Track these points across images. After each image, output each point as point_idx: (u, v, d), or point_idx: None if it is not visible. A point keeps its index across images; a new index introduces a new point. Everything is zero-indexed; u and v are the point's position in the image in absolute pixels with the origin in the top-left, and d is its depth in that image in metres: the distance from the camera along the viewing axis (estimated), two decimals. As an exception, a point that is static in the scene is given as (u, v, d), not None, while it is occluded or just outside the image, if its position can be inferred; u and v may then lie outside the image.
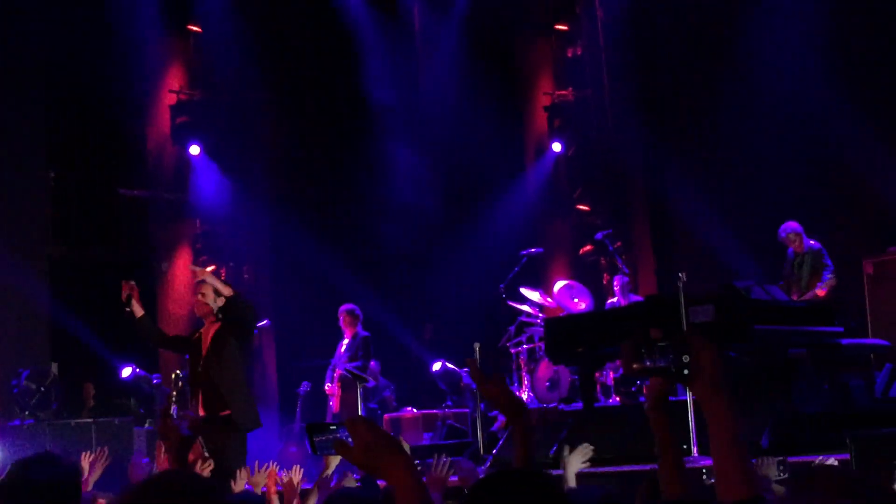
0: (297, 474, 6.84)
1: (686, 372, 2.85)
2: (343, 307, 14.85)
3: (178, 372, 5.69)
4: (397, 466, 2.77)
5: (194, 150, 17.42)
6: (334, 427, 3.79)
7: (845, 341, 11.58)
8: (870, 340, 12.96)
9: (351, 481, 6.71)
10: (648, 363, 2.89)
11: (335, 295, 15.62)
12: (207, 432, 8.77)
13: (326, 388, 14.92)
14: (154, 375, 15.92)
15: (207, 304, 9.35)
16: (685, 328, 8.87)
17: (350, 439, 2.82)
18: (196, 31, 17.74)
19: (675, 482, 3.46)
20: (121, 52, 16.55)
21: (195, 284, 9.30)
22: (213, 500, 2.67)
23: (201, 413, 9.17)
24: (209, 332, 9.47)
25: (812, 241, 13.67)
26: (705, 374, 2.84)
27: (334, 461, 6.76)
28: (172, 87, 17.63)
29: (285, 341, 17.49)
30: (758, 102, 15.86)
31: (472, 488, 2.87)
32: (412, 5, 18.75)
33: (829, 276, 13.35)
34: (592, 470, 7.20)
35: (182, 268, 17.56)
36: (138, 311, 9.39)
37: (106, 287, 17.15)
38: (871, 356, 12.55)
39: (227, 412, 9.27)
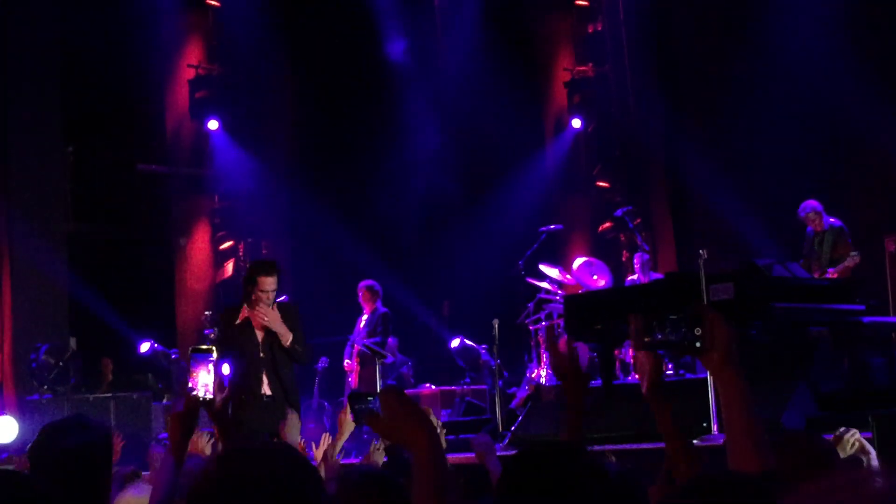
0: (325, 442, 6.83)
1: (698, 345, 2.82)
2: (362, 283, 14.83)
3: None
4: (421, 438, 2.78)
5: (213, 125, 17.40)
6: (371, 397, 3.78)
7: (866, 319, 11.51)
8: (891, 319, 12.91)
9: (379, 454, 6.67)
10: (660, 336, 2.87)
11: (354, 271, 15.61)
12: (273, 412, 9.05)
13: (345, 364, 14.91)
14: (172, 351, 15.94)
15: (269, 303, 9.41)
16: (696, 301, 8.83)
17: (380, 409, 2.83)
18: (214, 6, 17.71)
19: (684, 463, 3.43)
20: (139, 27, 16.53)
21: (268, 293, 9.30)
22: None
23: (268, 393, 9.34)
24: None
25: (832, 219, 13.59)
26: (718, 346, 2.82)
27: (347, 430, 6.73)
28: (191, 61, 17.61)
29: (303, 317, 17.44)
30: (779, 79, 15.77)
31: (508, 462, 2.83)
32: (433, -20, 18.68)
33: (850, 261, 13.26)
34: (611, 447, 7.18)
35: (200, 243, 17.56)
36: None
37: (125, 262, 17.19)
38: (893, 335, 12.49)
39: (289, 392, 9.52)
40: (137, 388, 15.18)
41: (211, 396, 4.52)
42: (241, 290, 17.31)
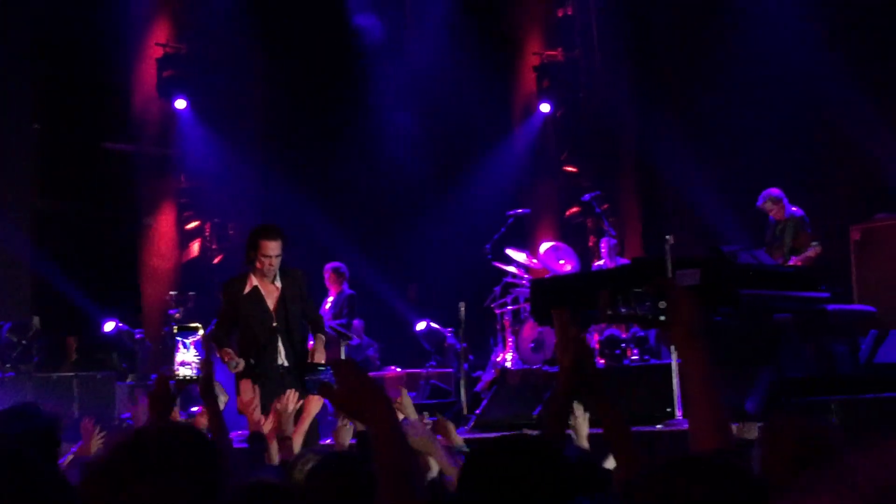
0: (292, 400, 6.68)
1: (662, 318, 2.82)
2: (329, 265, 14.82)
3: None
4: (378, 412, 2.76)
5: (180, 104, 17.31)
6: (322, 367, 3.77)
7: (831, 307, 11.57)
8: (855, 307, 12.95)
9: (346, 433, 6.57)
10: (624, 310, 2.87)
11: (322, 253, 15.57)
12: (290, 383, 8.74)
13: (310, 345, 14.86)
14: (137, 330, 15.88)
15: (274, 270, 9.26)
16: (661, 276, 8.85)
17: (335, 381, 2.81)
18: (183, -16, 17.60)
19: (623, 450, 3.43)
20: (107, 5, 16.41)
21: (271, 258, 9.13)
22: (211, 449, 2.64)
23: (285, 363, 9.23)
24: (269, 288, 9.32)
25: (794, 208, 13.62)
26: (683, 320, 2.82)
27: (314, 408, 6.67)
28: (159, 40, 17.50)
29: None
30: (748, 66, 15.80)
31: (474, 451, 2.84)
32: (402, -37, 18.63)
33: (811, 250, 13.30)
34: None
35: (166, 223, 17.48)
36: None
37: (90, 241, 17.09)
38: (857, 322, 12.54)
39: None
40: (101, 367, 15.10)
41: (198, 374, 4.51)
42: (206, 271, 17.35)
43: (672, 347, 10.34)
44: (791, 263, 13.11)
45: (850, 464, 1.36)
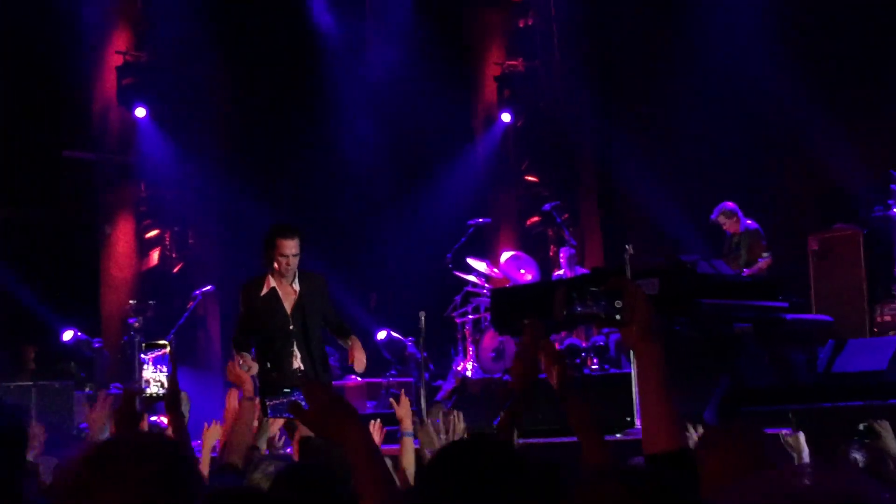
0: (232, 398, 6.62)
1: (618, 317, 2.83)
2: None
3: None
4: (351, 430, 2.76)
5: (140, 112, 17.23)
6: (288, 391, 3.77)
7: (789, 316, 11.65)
8: (813, 316, 13.05)
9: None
10: (579, 309, 2.87)
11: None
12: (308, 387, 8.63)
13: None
14: (95, 339, 15.79)
15: (292, 270, 9.01)
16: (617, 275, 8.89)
17: (305, 403, 2.81)
18: (143, -8, 17.52)
19: (596, 458, 3.45)
20: (65, 11, 16.32)
21: (289, 257, 8.89)
22: (184, 456, 2.65)
23: (301, 367, 8.98)
24: (287, 290, 9.08)
25: (749, 221, 13.71)
26: (638, 319, 2.82)
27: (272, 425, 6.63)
28: (119, 48, 17.41)
29: (230, 307, 17.33)
30: (708, 77, 15.88)
31: (433, 457, 2.85)
32: (363, -28, 18.62)
33: (762, 261, 13.39)
34: (537, 441, 7.20)
35: (125, 231, 17.40)
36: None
37: (48, 249, 16.99)
38: (814, 332, 12.63)
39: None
40: (60, 376, 15.01)
41: (164, 392, 4.50)
42: (165, 280, 17.28)
43: (630, 350, 10.38)
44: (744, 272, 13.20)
45: (772, 476, 1.39)
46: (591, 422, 3.50)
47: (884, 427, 5.65)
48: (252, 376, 6.70)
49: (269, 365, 8.95)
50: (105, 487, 2.45)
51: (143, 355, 4.54)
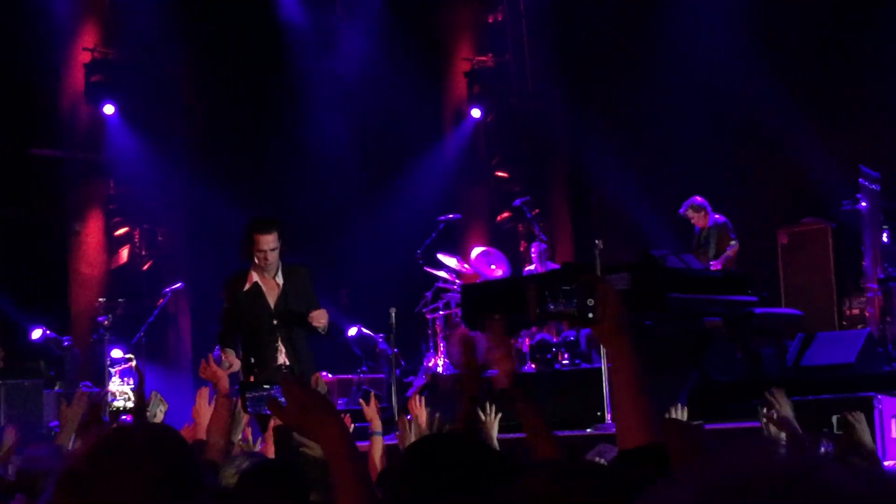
0: (202, 399, 6.58)
1: (591, 315, 2.84)
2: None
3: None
4: (330, 428, 2.75)
5: (109, 109, 17.15)
6: (268, 386, 3.76)
7: (759, 311, 11.69)
8: (783, 310, 13.11)
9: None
10: (552, 307, 2.88)
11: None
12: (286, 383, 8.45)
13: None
14: (65, 338, 15.71)
15: (273, 264, 8.90)
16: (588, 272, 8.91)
17: (283, 399, 2.80)
18: (112, -12, 17.44)
19: (546, 454, 3.47)
20: (33, 8, 16.24)
21: (266, 252, 8.78)
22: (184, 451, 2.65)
23: (286, 363, 8.84)
24: (270, 284, 8.97)
25: (717, 216, 13.75)
26: (610, 316, 2.83)
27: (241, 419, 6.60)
28: (87, 45, 17.32)
29: (200, 305, 17.30)
30: (677, 72, 15.93)
31: (405, 451, 2.88)
32: (333, -32, 18.59)
33: (730, 250, 13.45)
34: (505, 436, 7.19)
35: (94, 229, 17.32)
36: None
37: (17, 247, 16.89)
38: (784, 325, 12.69)
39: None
40: (29, 375, 14.92)
41: (131, 405, 4.49)
42: (135, 278, 17.20)
43: (602, 347, 10.41)
44: (713, 266, 13.24)
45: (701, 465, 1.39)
46: (540, 420, 3.51)
47: (857, 419, 5.66)
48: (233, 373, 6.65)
49: (252, 360, 8.84)
50: (111, 477, 2.45)
51: (110, 368, 4.55)
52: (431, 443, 2.95)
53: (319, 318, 8.85)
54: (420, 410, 6.51)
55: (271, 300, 8.92)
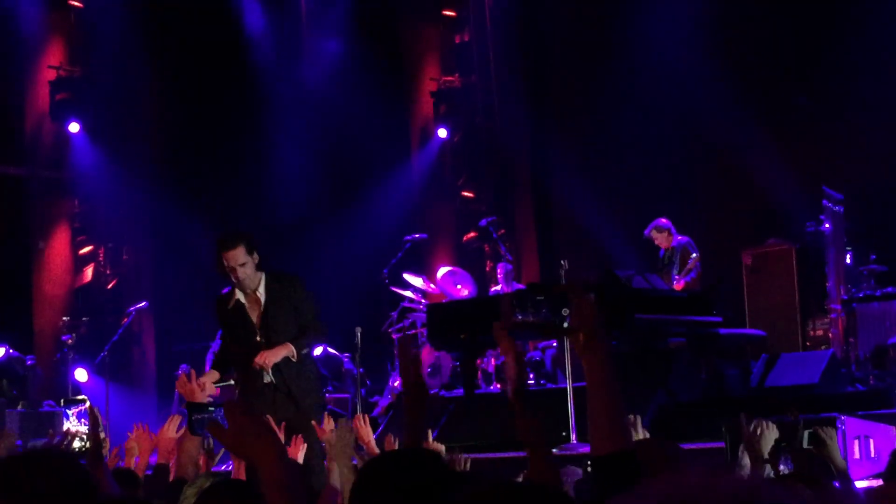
0: (171, 425, 6.50)
1: (565, 325, 2.84)
2: (226, 290, 14.68)
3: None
4: (268, 453, 2.74)
5: (74, 127, 17.09)
6: (212, 408, 3.74)
7: (723, 331, 11.74)
8: (747, 331, 13.17)
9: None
10: (520, 317, 2.88)
11: (216, 277, 15.41)
12: (275, 403, 8.24)
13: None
14: (28, 357, 15.62)
15: (248, 278, 8.52)
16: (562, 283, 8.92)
17: (226, 421, 2.79)
18: (77, 6, 17.39)
19: (543, 472, 3.47)
20: (-1, 26, 16.20)
21: (235, 269, 8.42)
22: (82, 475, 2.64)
23: (272, 381, 8.42)
24: (252, 300, 8.61)
25: (681, 237, 13.83)
26: (584, 326, 2.84)
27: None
28: (52, 62, 17.27)
29: (164, 324, 17.26)
30: (642, 94, 16.00)
31: (361, 468, 2.89)
32: (299, -13, 18.59)
33: (690, 262, 13.50)
34: (472, 456, 7.20)
35: (58, 247, 17.24)
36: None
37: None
38: (748, 346, 12.74)
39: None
40: (-9, 394, 14.84)
41: (85, 446, 4.48)
42: (99, 297, 17.10)
43: (567, 366, 10.43)
44: (675, 282, 13.30)
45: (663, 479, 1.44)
46: (539, 438, 3.51)
47: (830, 435, 5.69)
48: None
49: (239, 382, 8.59)
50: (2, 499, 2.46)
51: (65, 410, 4.53)
52: (383, 462, 2.96)
53: (261, 360, 8.40)
54: (365, 430, 6.48)
55: (254, 316, 8.58)
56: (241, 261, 8.48)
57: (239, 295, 8.61)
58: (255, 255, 8.59)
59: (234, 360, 8.64)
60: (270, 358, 8.36)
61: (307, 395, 8.54)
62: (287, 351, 8.42)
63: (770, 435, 5.71)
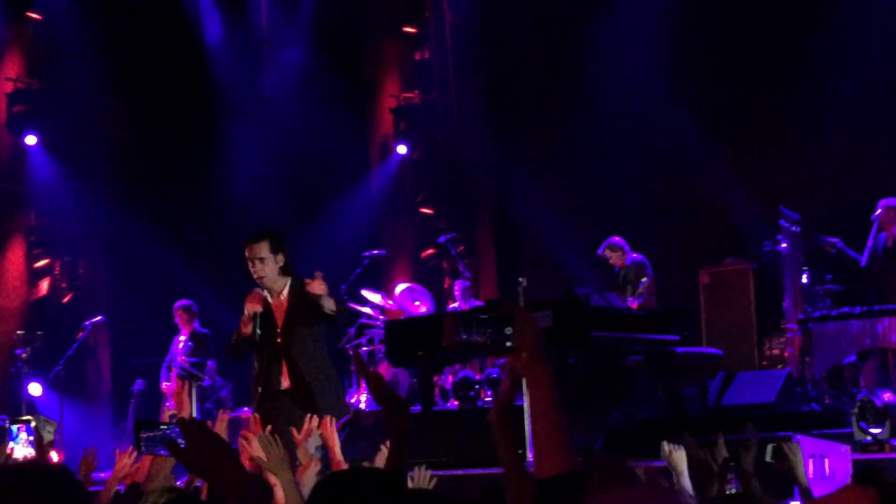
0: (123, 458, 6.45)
1: (509, 344, 2.84)
2: (178, 303, 14.63)
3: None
4: (225, 471, 2.71)
5: (31, 140, 16.99)
6: (165, 426, 3.67)
7: (680, 349, 11.76)
8: (704, 349, 13.19)
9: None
10: (465, 336, 2.87)
11: (173, 291, 15.35)
12: (290, 408, 8.11)
13: (164, 386, 14.65)
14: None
15: (269, 277, 8.45)
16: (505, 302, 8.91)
17: (181, 439, 2.75)
18: (35, 19, 17.29)
19: (523, 489, 3.45)
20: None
21: (253, 261, 8.38)
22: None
23: (286, 385, 8.36)
24: (278, 302, 8.52)
25: (635, 255, 13.88)
26: (527, 345, 2.84)
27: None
28: (9, 75, 17.16)
29: (120, 338, 17.15)
30: (602, 112, 16.06)
31: (315, 487, 2.87)
32: (259, 3, 18.54)
33: (641, 287, 13.55)
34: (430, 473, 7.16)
35: (14, 260, 17.11)
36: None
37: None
38: (705, 365, 12.78)
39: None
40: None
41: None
42: (55, 310, 16.97)
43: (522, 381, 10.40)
44: (630, 302, 13.33)
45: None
46: (514, 456, 3.49)
47: (792, 451, 5.71)
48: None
49: (259, 388, 8.44)
50: None
51: (11, 426, 4.47)
52: (336, 483, 2.95)
53: (314, 286, 8.37)
54: (331, 435, 6.36)
55: (279, 319, 8.45)
56: (261, 255, 8.43)
57: (268, 297, 8.51)
58: (280, 258, 8.55)
59: (258, 363, 8.50)
60: (319, 287, 8.32)
61: (322, 397, 8.39)
62: (330, 299, 8.40)
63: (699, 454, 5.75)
